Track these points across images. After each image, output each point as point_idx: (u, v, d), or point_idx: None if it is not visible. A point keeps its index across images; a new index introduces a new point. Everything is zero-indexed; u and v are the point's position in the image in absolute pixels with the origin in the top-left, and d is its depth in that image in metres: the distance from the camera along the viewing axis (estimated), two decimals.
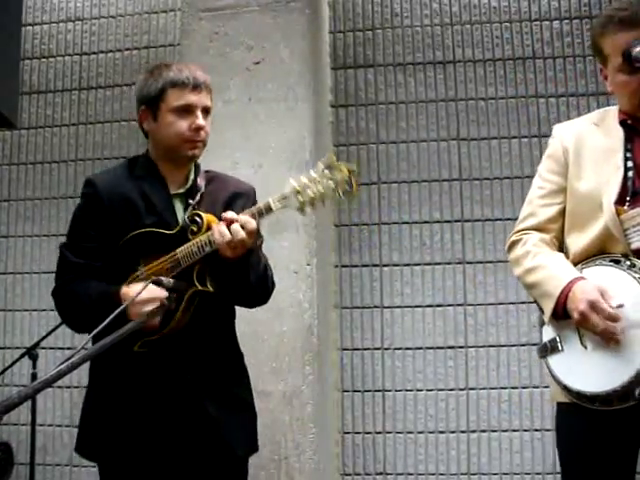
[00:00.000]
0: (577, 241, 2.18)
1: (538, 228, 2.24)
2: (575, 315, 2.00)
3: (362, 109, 4.25)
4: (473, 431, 4.00)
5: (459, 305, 4.06)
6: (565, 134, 2.26)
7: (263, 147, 3.66)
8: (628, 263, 2.04)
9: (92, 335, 1.85)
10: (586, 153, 2.19)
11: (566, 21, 4.17)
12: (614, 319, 1.96)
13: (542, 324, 2.19)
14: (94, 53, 4.55)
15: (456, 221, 4.10)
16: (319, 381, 3.62)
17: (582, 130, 2.24)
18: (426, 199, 4.15)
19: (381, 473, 4.02)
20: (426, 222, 4.14)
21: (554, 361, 2.12)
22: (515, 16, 4.27)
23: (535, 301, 2.21)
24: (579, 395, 2.05)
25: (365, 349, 4.10)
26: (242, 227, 2.11)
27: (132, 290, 2.14)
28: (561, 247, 2.25)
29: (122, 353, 2.20)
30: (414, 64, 4.27)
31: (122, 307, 1.95)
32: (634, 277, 2.00)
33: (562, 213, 2.23)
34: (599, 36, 2.14)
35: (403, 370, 4.06)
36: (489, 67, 4.23)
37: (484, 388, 4.01)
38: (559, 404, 2.20)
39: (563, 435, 2.22)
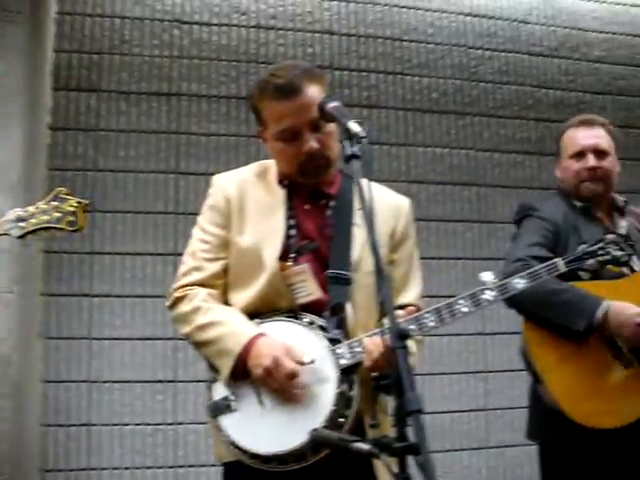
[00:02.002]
0: (241, 296, 2.18)
1: (204, 284, 2.19)
2: (258, 371, 1.98)
3: (81, 134, 4.21)
4: (181, 466, 4.06)
5: (169, 339, 4.11)
6: (227, 185, 2.28)
7: None
8: (307, 320, 2.10)
9: None
10: (249, 207, 2.22)
11: None
12: (295, 376, 1.98)
13: (212, 381, 2.12)
14: None
15: (169, 254, 4.16)
16: (18, 416, 3.52)
17: (245, 182, 2.27)
18: (140, 231, 4.19)
19: None
20: (139, 254, 4.17)
21: (227, 421, 2.05)
22: (243, 56, 4.48)
23: (206, 359, 2.15)
24: (255, 456, 2.01)
25: (71, 381, 4.03)
26: None
27: None
28: (227, 303, 2.21)
29: None
30: (139, 93, 4.31)
31: None
32: (316, 334, 2.06)
33: (227, 268, 2.22)
34: (257, 100, 2.20)
35: (110, 404, 4.05)
36: (213, 104, 4.39)
37: (192, 423, 4.08)
38: (226, 464, 2.14)
39: None
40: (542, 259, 2.48)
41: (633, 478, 2.70)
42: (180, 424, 4.09)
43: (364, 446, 1.49)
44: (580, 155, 2.89)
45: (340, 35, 4.70)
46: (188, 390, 4.10)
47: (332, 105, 1.96)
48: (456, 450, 4.54)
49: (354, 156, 1.76)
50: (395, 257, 2.26)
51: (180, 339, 3.96)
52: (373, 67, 4.72)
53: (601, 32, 5.35)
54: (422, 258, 2.39)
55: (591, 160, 2.86)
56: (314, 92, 2.12)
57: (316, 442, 1.69)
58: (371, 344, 2.00)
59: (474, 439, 4.59)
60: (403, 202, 2.36)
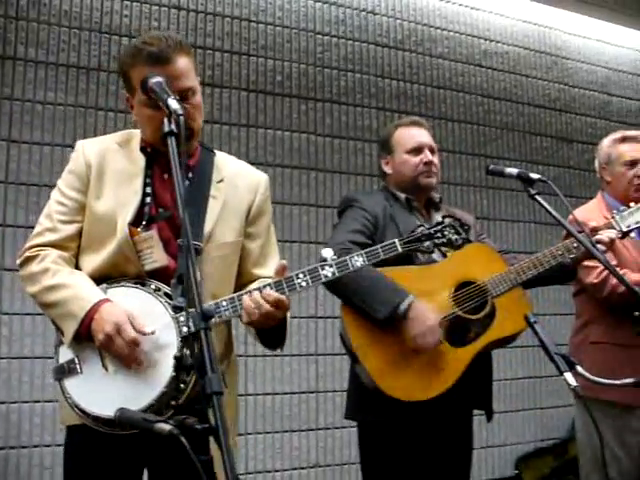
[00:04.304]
0: (91, 261, 2.26)
1: (57, 245, 2.26)
2: (100, 337, 2.06)
3: None
4: (2, 448, 4.01)
5: (4, 314, 4.05)
6: (89, 151, 2.32)
7: None
8: (153, 287, 2.19)
9: None
10: (108, 173, 2.28)
11: None
12: (137, 343, 2.06)
13: (59, 344, 2.19)
14: None
15: None
16: None
17: (106, 149, 2.33)
18: None
19: None
20: None
21: (71, 384, 2.13)
22: (86, 24, 4.44)
23: (52, 320, 2.21)
24: (96, 419, 2.09)
25: None
26: None
27: None
28: (78, 267, 2.29)
29: None
30: None
31: None
32: (160, 301, 2.15)
33: (82, 232, 2.30)
34: (127, 66, 2.25)
35: None
36: (51, 71, 4.32)
37: (15, 402, 4.04)
38: (70, 427, 2.25)
39: (70, 458, 2.27)
40: (361, 245, 2.77)
41: (444, 449, 2.96)
42: (2, 403, 4.02)
43: (166, 427, 1.55)
44: (417, 151, 3.13)
45: (187, 11, 4.75)
46: (12, 367, 4.05)
47: (154, 81, 2.06)
48: (286, 431, 4.72)
49: (171, 133, 1.87)
50: (251, 230, 2.42)
51: (14, 314, 3.98)
52: (219, 46, 4.81)
53: (444, 30, 5.67)
54: None
55: (429, 155, 3.12)
56: (184, 63, 2.23)
57: (121, 422, 1.75)
58: (249, 300, 2.13)
59: (304, 421, 4.78)
60: (261, 177, 2.51)
